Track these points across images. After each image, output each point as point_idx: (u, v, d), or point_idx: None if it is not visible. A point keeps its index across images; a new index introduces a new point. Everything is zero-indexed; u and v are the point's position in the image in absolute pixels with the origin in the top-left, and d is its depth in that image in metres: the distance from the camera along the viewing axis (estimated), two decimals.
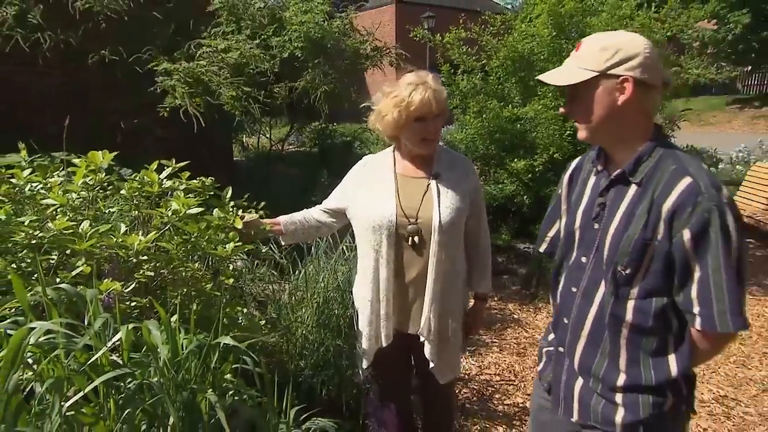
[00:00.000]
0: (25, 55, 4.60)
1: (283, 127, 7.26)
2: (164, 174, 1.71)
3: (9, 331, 0.98)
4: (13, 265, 1.37)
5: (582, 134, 1.19)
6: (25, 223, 1.41)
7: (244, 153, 7.71)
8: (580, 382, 1.26)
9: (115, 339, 1.01)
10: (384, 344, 1.74)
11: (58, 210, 1.59)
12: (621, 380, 1.18)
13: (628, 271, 1.13)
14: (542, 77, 1.20)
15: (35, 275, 1.32)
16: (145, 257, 1.49)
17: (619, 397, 1.19)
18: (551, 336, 1.39)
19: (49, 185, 1.68)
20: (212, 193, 1.78)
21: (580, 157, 1.37)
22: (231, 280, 1.58)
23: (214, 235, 1.60)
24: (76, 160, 1.73)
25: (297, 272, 2.39)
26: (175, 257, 1.48)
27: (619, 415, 1.18)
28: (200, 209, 1.60)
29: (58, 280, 1.28)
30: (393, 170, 1.73)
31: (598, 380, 1.22)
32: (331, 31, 4.50)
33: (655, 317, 1.13)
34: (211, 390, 1.09)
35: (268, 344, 1.94)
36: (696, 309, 1.09)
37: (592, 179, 1.26)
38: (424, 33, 5.16)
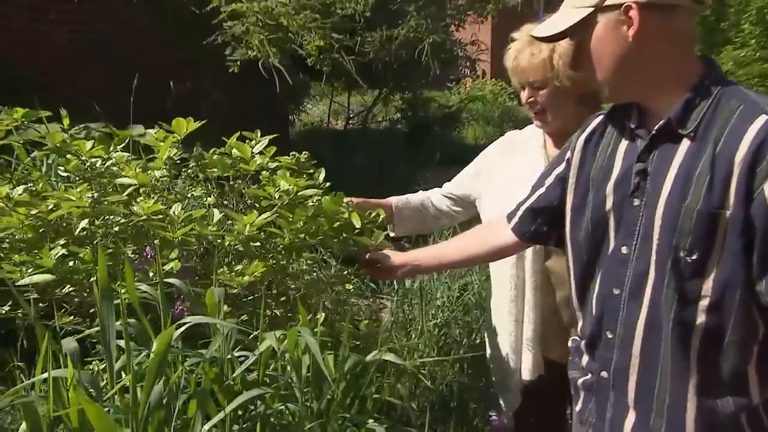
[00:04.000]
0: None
1: (353, 96, 7.02)
2: (257, 148, 1.63)
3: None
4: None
5: (604, 92, 1.12)
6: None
7: (295, 128, 7.80)
8: (632, 418, 1.09)
9: (258, 352, 0.97)
10: (528, 378, 1.54)
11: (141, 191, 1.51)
12: (691, 412, 1.02)
13: (695, 257, 0.98)
14: (534, 32, 1.17)
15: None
16: (258, 243, 1.42)
17: None
18: (585, 360, 1.19)
19: (113, 161, 1.60)
20: (311, 171, 1.75)
21: (599, 117, 1.19)
22: (350, 287, 1.54)
23: (329, 226, 1.53)
24: (149, 135, 1.68)
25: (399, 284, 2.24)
26: (292, 248, 1.40)
27: None
28: (314, 190, 1.53)
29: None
30: (543, 149, 1.55)
31: (661, 415, 1.04)
32: None
33: (737, 320, 0.97)
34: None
35: None
36: None
37: (624, 145, 1.11)
38: None
